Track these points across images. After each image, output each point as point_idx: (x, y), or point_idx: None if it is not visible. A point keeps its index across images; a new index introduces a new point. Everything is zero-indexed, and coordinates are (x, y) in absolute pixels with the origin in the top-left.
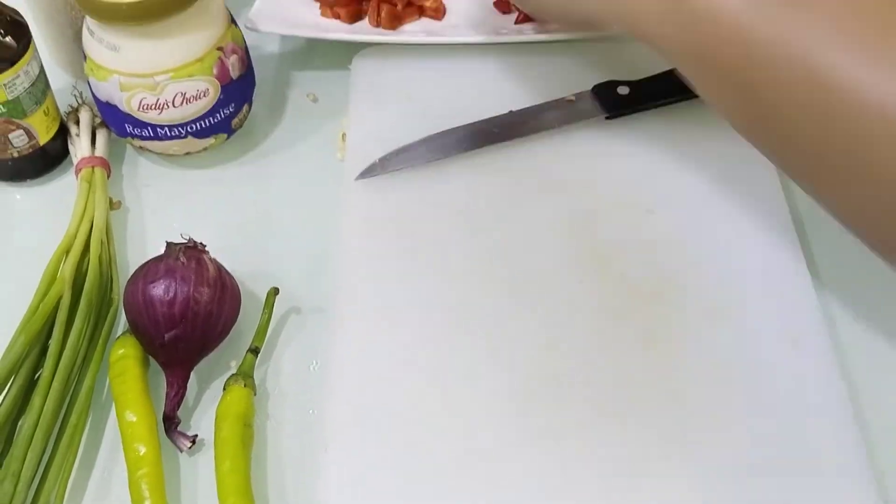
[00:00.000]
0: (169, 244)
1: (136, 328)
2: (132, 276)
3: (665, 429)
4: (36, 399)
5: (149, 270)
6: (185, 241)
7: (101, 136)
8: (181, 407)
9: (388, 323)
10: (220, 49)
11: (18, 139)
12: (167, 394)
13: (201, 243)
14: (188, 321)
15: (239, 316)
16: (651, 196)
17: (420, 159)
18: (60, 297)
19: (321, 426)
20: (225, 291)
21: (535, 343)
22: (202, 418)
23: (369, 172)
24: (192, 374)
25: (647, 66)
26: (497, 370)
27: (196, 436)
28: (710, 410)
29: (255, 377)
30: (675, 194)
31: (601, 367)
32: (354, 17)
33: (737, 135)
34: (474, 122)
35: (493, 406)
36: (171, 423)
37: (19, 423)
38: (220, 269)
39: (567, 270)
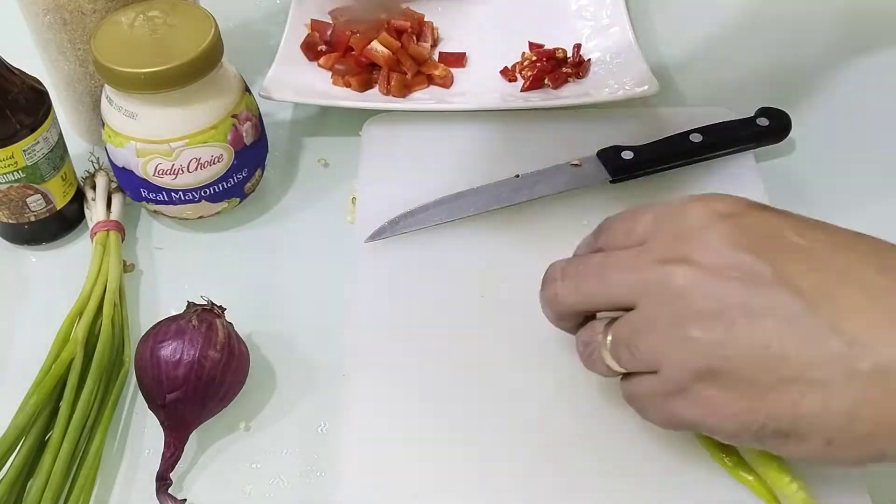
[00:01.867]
0: (189, 304)
1: (141, 385)
2: (146, 332)
3: (673, 495)
4: (45, 460)
5: (160, 330)
6: (205, 304)
7: (117, 200)
8: (175, 468)
9: (398, 384)
10: (234, 116)
11: (36, 203)
12: (163, 454)
13: (220, 306)
14: (190, 384)
15: (248, 378)
16: None
17: (428, 222)
18: (72, 359)
19: (328, 488)
20: (232, 358)
21: (542, 403)
22: (195, 481)
23: (378, 235)
24: (194, 435)
25: (649, 131)
26: (505, 431)
27: (185, 500)
28: (714, 475)
29: (264, 433)
30: None
31: (607, 427)
32: (365, 86)
33: None
34: (482, 187)
35: (501, 467)
36: (162, 483)
37: (28, 483)
38: (230, 334)
39: (573, 338)
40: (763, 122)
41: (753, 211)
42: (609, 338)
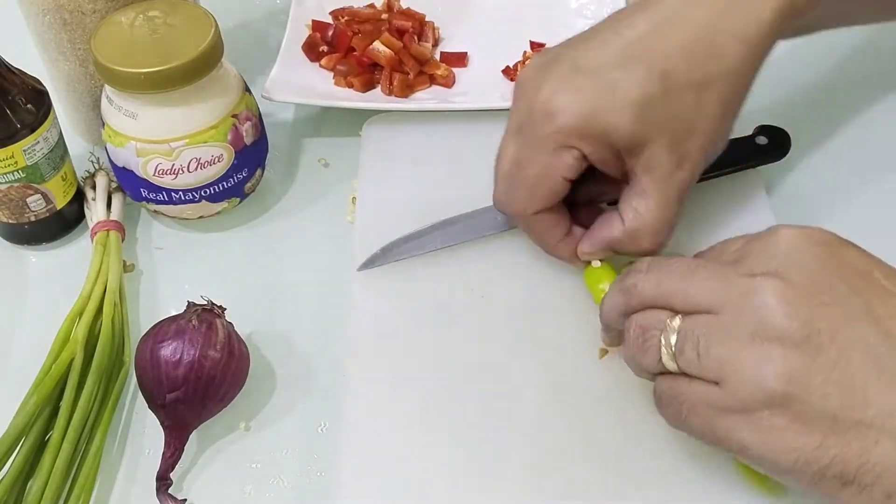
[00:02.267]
0: (189, 304)
1: (141, 385)
2: (146, 332)
3: (674, 496)
4: (45, 460)
5: (160, 330)
6: (205, 304)
7: (117, 200)
8: (175, 468)
9: (398, 384)
10: (234, 116)
11: (36, 203)
12: (163, 454)
13: (220, 306)
14: (190, 384)
15: (248, 378)
16: None
17: (421, 249)
18: (73, 359)
19: (328, 488)
20: (232, 358)
21: (542, 404)
22: (195, 481)
23: (371, 263)
24: (194, 435)
25: None
26: (505, 431)
27: (185, 500)
28: (715, 475)
29: (263, 435)
30: None
31: (607, 428)
32: (367, 86)
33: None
34: (476, 212)
35: (501, 467)
36: (162, 483)
37: (28, 483)
38: (230, 334)
39: (573, 340)
40: (762, 140)
41: (847, 245)
42: (676, 331)
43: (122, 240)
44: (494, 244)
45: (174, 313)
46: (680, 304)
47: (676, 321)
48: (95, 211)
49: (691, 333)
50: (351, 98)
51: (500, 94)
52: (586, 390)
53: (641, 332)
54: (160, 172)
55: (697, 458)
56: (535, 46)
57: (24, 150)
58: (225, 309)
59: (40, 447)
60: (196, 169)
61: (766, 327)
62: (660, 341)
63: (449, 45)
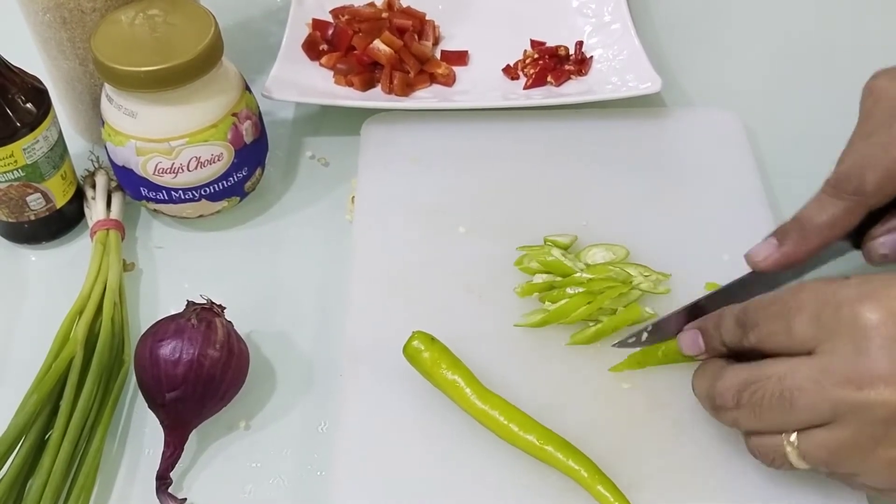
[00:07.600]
0: (188, 303)
1: (141, 384)
2: (146, 331)
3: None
4: (45, 459)
5: (159, 329)
6: (204, 302)
7: (117, 199)
8: (175, 467)
9: (398, 384)
10: (234, 115)
11: (36, 202)
12: (163, 453)
13: (220, 305)
14: (190, 383)
15: (247, 377)
16: None
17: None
18: (73, 358)
19: (328, 488)
20: (231, 356)
21: (540, 405)
22: (195, 481)
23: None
24: (194, 434)
25: (652, 130)
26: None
27: (185, 500)
28: (712, 481)
29: (263, 433)
30: None
31: (604, 427)
32: (367, 85)
33: None
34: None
35: (499, 467)
36: (162, 482)
37: (28, 483)
38: (230, 333)
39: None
40: None
41: None
42: (799, 454)
43: (122, 239)
44: (494, 248)
45: (174, 312)
46: (793, 428)
47: (795, 442)
48: (95, 210)
49: (818, 459)
50: (351, 97)
51: (501, 93)
52: (585, 389)
53: (768, 459)
54: (160, 171)
55: (697, 457)
56: (536, 45)
57: (24, 149)
58: (224, 308)
59: (40, 446)
60: (196, 168)
61: (886, 436)
62: (789, 460)
63: (449, 44)
